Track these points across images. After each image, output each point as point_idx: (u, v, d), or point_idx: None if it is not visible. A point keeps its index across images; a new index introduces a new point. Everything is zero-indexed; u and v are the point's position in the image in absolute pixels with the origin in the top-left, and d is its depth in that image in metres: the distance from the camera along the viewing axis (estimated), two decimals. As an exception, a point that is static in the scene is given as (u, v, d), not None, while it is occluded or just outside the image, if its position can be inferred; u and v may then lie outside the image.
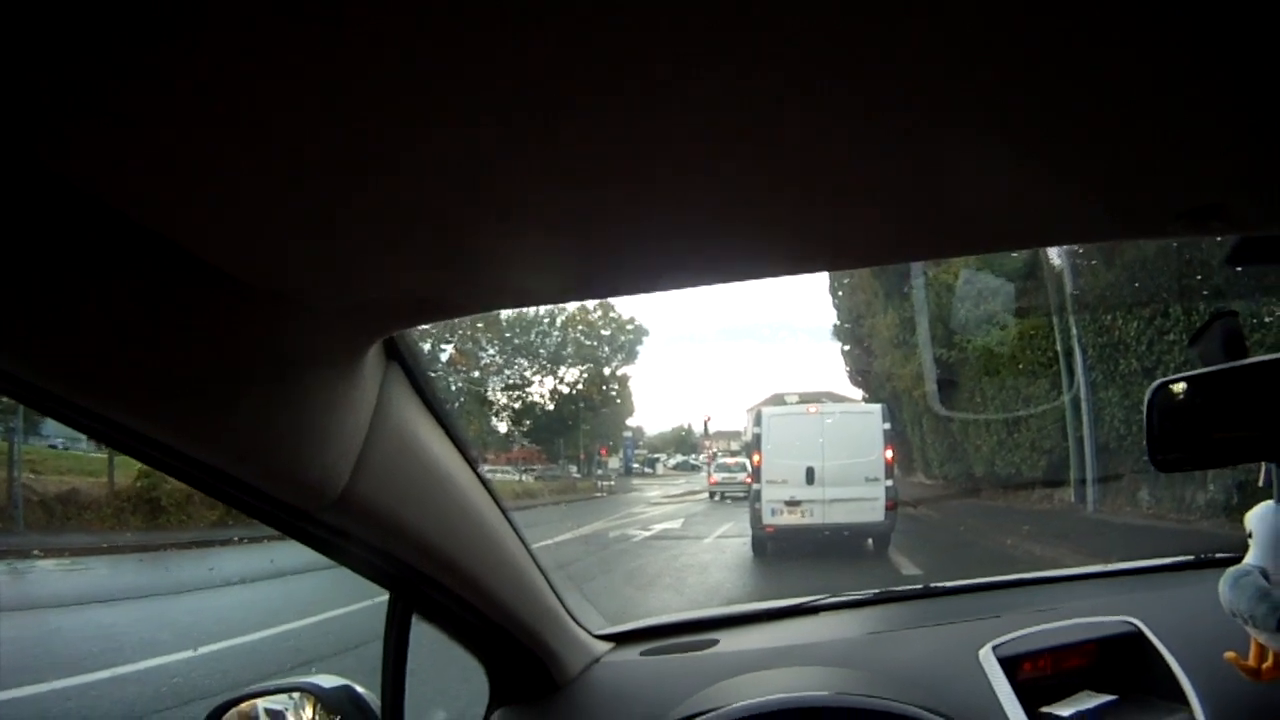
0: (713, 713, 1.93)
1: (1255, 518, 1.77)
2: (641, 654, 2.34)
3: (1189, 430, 1.72)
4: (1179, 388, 1.72)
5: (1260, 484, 1.78)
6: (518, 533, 1.86)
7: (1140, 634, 2.21)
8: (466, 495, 1.61)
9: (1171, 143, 0.88)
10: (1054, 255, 17.81)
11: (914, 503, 19.75)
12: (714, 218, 0.93)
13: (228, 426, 1.06)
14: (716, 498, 26.71)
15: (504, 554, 1.80)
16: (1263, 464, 1.76)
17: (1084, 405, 15.92)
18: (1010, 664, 2.14)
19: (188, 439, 1.06)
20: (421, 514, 1.48)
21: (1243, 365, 1.62)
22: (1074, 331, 16.59)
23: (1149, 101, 0.78)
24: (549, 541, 16.05)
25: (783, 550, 14.47)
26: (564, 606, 2.14)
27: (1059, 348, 16.98)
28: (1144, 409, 1.69)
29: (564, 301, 1.49)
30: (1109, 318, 15.72)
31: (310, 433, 1.15)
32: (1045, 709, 2.09)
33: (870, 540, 14.65)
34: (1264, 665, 1.74)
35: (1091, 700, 2.13)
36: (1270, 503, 1.74)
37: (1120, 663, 2.22)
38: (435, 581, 1.65)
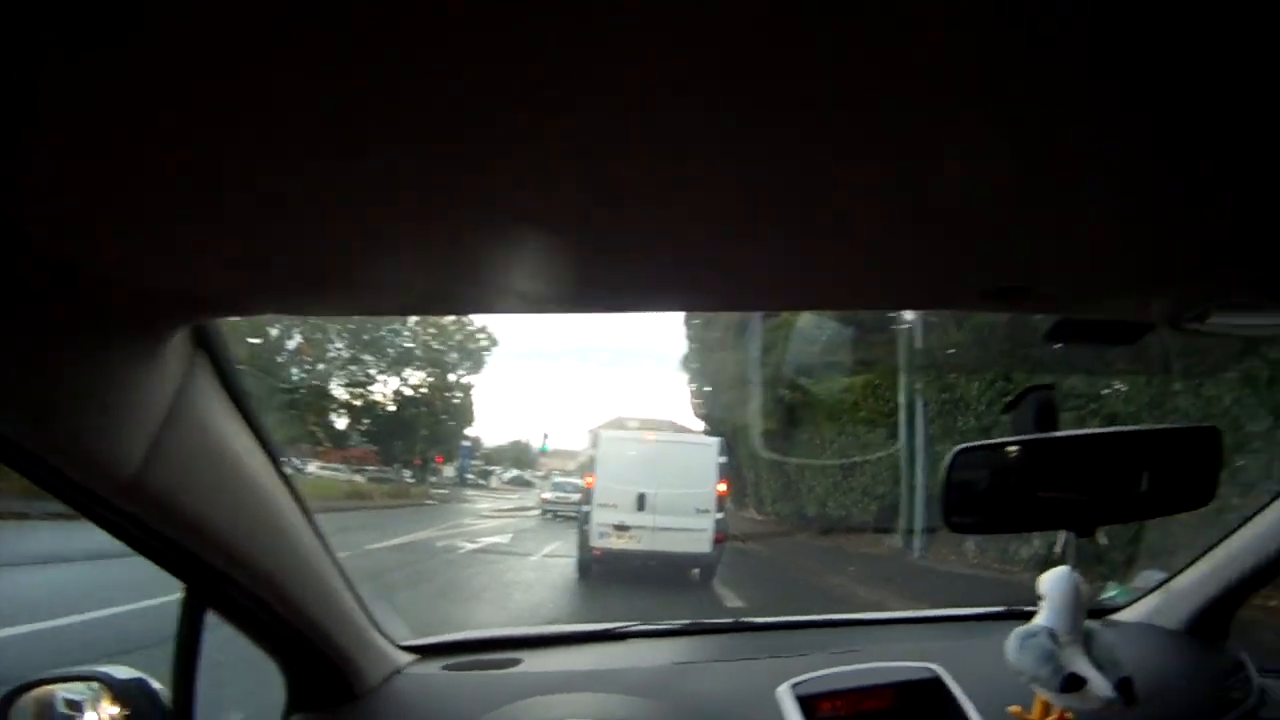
0: None
1: (1048, 582, 1.85)
2: (443, 668, 2.31)
3: (986, 495, 1.79)
4: (982, 453, 1.80)
5: (1057, 550, 1.85)
6: (320, 536, 1.80)
7: (940, 681, 2.25)
8: (267, 494, 1.56)
9: (979, 229, 0.95)
10: (908, 313, 18.30)
11: (744, 537, 19.95)
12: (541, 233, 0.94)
13: (14, 392, 1.03)
14: (548, 515, 26.77)
15: (303, 557, 1.74)
16: (1061, 532, 1.83)
17: (919, 457, 16.31)
18: (808, 703, 2.14)
19: None
20: (217, 508, 1.42)
21: (1046, 437, 1.73)
22: (918, 386, 17.01)
23: (956, 190, 0.84)
24: (375, 546, 15.83)
25: (609, 574, 14.41)
26: (366, 614, 2.08)
27: (901, 400, 17.32)
28: (943, 471, 1.73)
29: (394, 315, 1.45)
30: (953, 376, 16.18)
31: (102, 410, 1.12)
32: None
33: (696, 571, 14.69)
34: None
35: None
36: (1065, 568, 1.84)
37: (919, 709, 2.25)
38: (230, 578, 1.58)
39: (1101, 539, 1.79)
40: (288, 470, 1.64)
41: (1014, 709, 1.88)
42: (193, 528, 1.39)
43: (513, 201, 0.84)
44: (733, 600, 12.93)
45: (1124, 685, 1.71)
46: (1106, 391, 13.45)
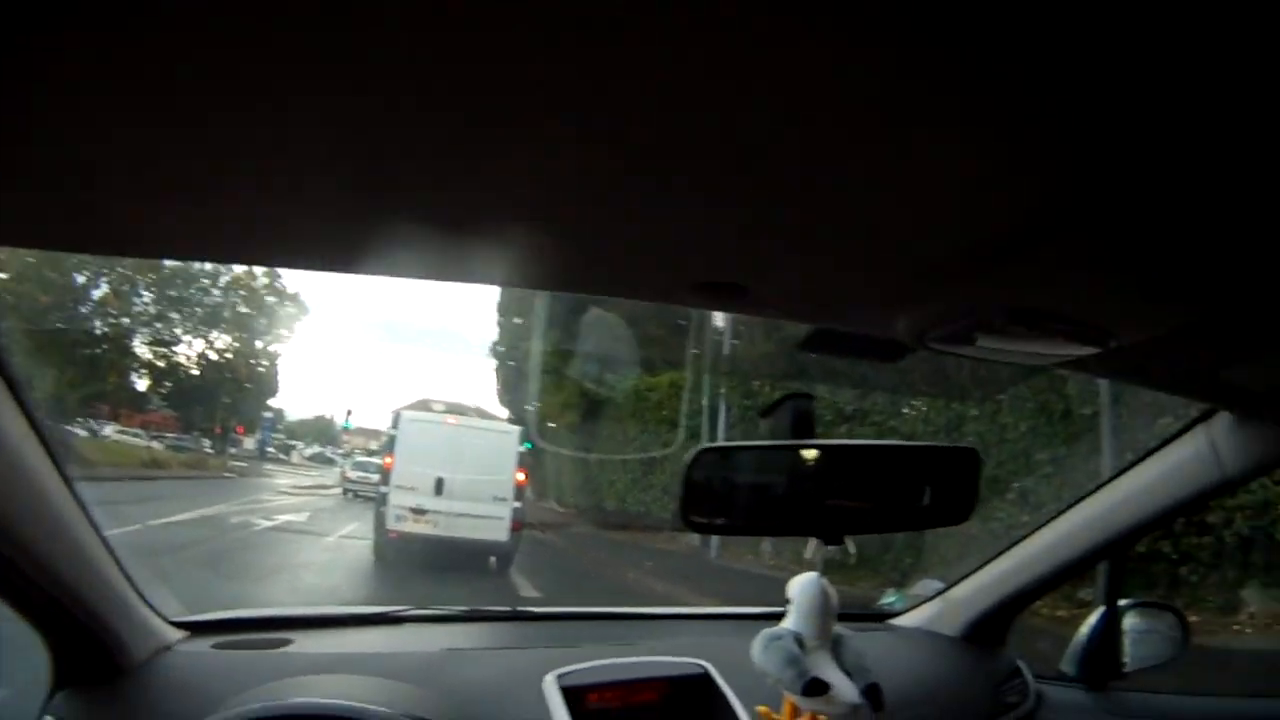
0: (243, 709, 1.84)
1: (796, 587, 1.88)
2: (213, 646, 2.23)
3: (726, 496, 1.73)
4: (727, 455, 1.82)
5: (807, 556, 1.83)
6: (79, 500, 1.71)
7: (709, 677, 2.26)
8: (14, 449, 1.47)
9: (690, 222, 0.96)
10: (719, 319, 18.49)
11: (543, 528, 20.00)
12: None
13: None
14: (349, 494, 26.12)
15: (59, 521, 1.66)
16: (810, 539, 1.78)
17: None
18: (575, 694, 2.13)
19: None
20: None
21: (791, 444, 1.71)
22: (721, 391, 17.38)
23: (666, 182, 0.85)
24: (168, 520, 15.19)
25: (405, 558, 14.18)
26: (133, 587, 2.02)
27: (705, 403, 17.61)
28: (683, 469, 1.66)
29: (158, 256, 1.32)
30: (756, 384, 16.61)
31: None
32: None
33: (493, 559, 14.72)
34: None
35: None
36: (813, 574, 1.86)
37: (688, 703, 2.25)
38: None
39: (850, 549, 1.77)
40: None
41: (762, 708, 1.93)
42: None
43: (304, 148, 0.83)
44: (529, 590, 13.01)
45: (871, 691, 1.72)
46: (907, 411, 14.19)
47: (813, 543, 1.77)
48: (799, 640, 1.79)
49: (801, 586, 1.87)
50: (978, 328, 1.24)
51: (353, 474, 27.57)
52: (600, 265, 1.17)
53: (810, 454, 1.69)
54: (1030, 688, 2.74)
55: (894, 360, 1.64)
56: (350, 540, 16.51)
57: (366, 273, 1.19)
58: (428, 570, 13.70)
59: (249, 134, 0.80)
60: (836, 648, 1.82)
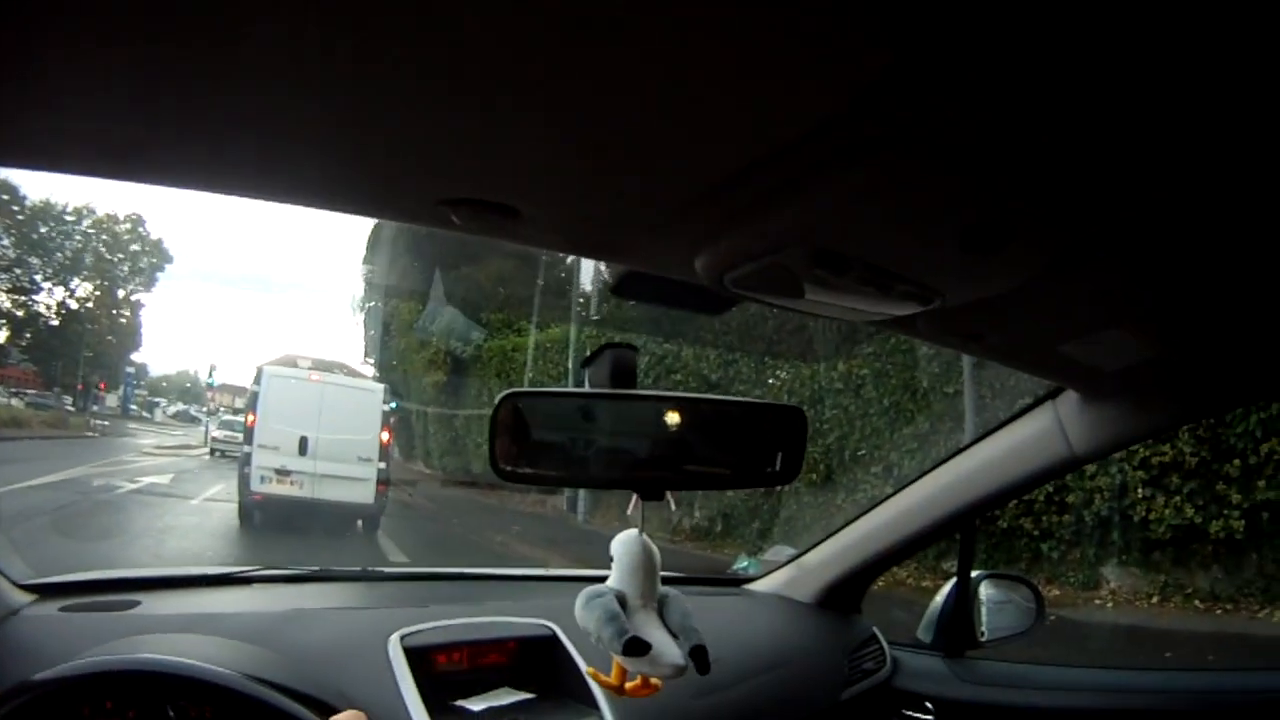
0: (65, 665, 1.77)
1: (618, 544, 1.70)
2: (60, 609, 2.14)
3: (539, 444, 1.64)
4: (538, 402, 1.71)
5: (628, 512, 1.68)
6: None
7: (556, 637, 2.28)
8: None
9: (430, 134, 0.92)
10: (586, 281, 19.03)
11: (411, 491, 20.01)
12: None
13: None
14: (217, 454, 25.57)
15: None
16: (632, 495, 1.65)
17: None
18: (421, 654, 2.11)
19: None
20: None
21: (607, 393, 1.59)
22: (588, 353, 17.26)
23: (410, 93, 0.83)
24: (25, 484, 14.82)
25: (270, 522, 14.03)
26: None
27: (570, 365, 17.77)
28: (491, 415, 1.54)
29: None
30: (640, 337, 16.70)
31: None
32: (458, 703, 2.09)
33: (360, 521, 14.72)
34: (627, 684, 1.69)
35: (507, 697, 2.17)
36: (633, 531, 1.69)
37: (538, 664, 2.26)
38: None
39: (672, 506, 1.71)
40: None
41: (590, 670, 1.90)
42: None
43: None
44: (396, 554, 13.09)
45: (697, 652, 1.59)
46: (772, 381, 14.48)
47: (634, 498, 1.64)
48: (621, 599, 1.65)
49: (622, 543, 1.68)
50: (780, 270, 1.17)
51: (219, 433, 27.11)
52: (348, 177, 1.10)
53: (630, 405, 1.62)
54: (886, 654, 2.83)
55: (717, 312, 1.66)
56: (215, 503, 16.31)
57: (136, 179, 1.13)
58: (293, 533, 13.73)
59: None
60: (662, 607, 1.68)
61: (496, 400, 1.51)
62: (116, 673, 1.73)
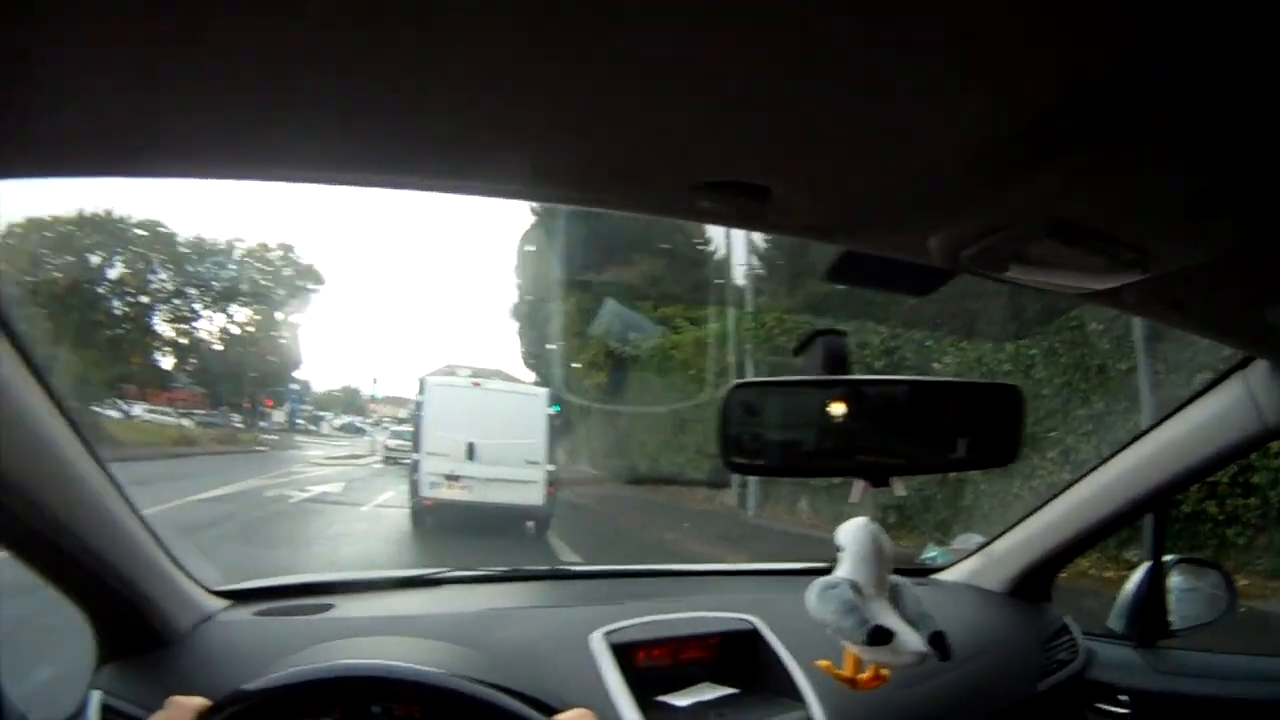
0: (296, 669, 1.77)
1: (845, 533, 1.72)
2: (255, 613, 2.20)
3: (770, 436, 1.64)
4: (764, 391, 1.67)
5: (852, 500, 1.67)
6: (109, 475, 1.69)
7: (757, 631, 2.25)
8: (28, 409, 1.45)
9: (690, 114, 0.90)
10: (740, 276, 18.82)
11: (578, 492, 20.02)
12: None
13: None
14: (389, 462, 26.41)
15: (94, 501, 1.66)
16: (856, 481, 1.65)
17: None
18: (624, 651, 2.11)
19: None
20: None
21: (835, 379, 1.57)
22: (747, 347, 17.29)
23: (676, 71, 0.80)
24: (204, 496, 15.22)
25: (442, 525, 14.27)
26: (171, 558, 1.99)
27: (731, 360, 17.51)
28: (720, 407, 1.55)
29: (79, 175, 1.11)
30: (784, 340, 16.38)
31: None
32: (661, 698, 2.08)
33: (530, 523, 14.73)
34: (860, 676, 1.71)
35: (710, 692, 2.14)
36: (862, 518, 1.71)
37: (740, 658, 2.23)
38: (11, 513, 1.47)
39: (899, 491, 1.64)
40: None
41: (823, 663, 1.80)
42: None
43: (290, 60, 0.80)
44: (568, 554, 13.03)
45: (936, 639, 1.62)
46: (938, 366, 14.05)
47: (858, 485, 1.65)
48: (855, 588, 1.66)
49: (851, 532, 1.72)
50: (1013, 245, 1.18)
51: (392, 442, 28.23)
52: (600, 168, 1.09)
53: (851, 391, 1.58)
54: (1079, 645, 2.70)
55: (926, 293, 1.59)
56: (385, 509, 16.64)
57: (373, 184, 1.15)
58: (465, 536, 13.77)
59: (252, 36, 0.76)
60: (895, 595, 1.71)
61: (724, 392, 1.54)
62: (333, 679, 1.71)
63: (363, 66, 0.81)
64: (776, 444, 1.65)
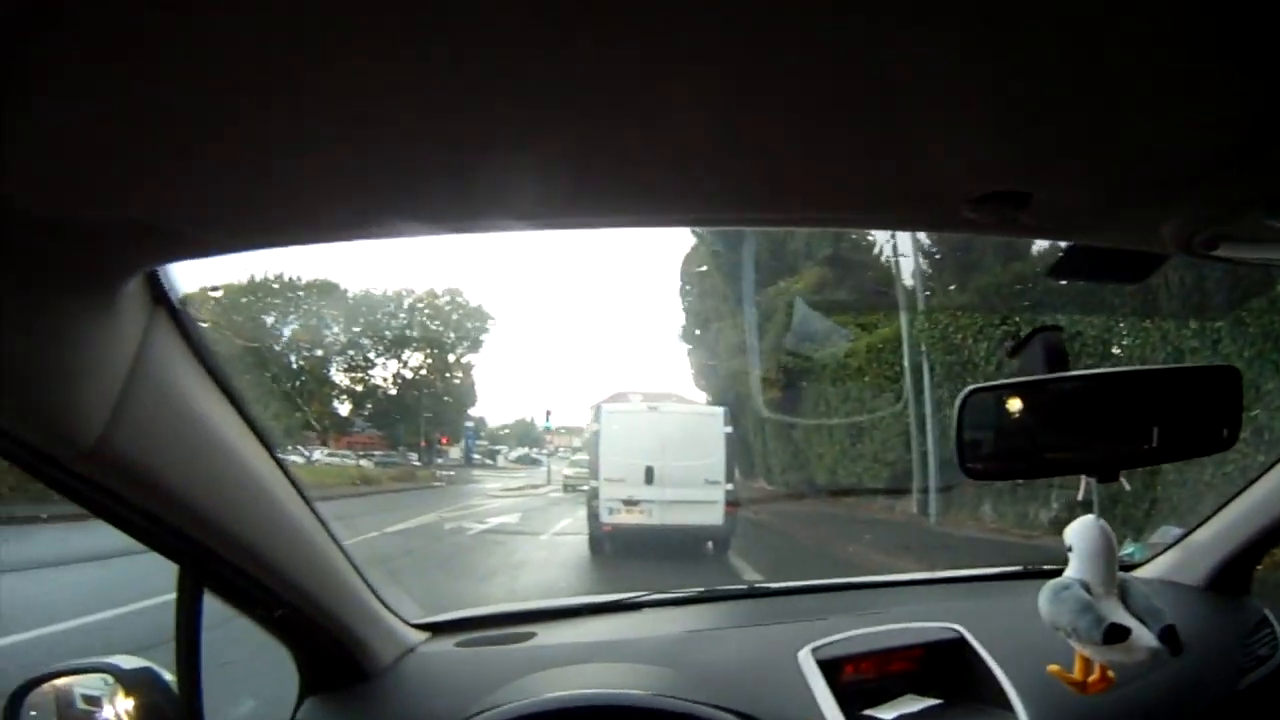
0: (518, 703, 1.90)
1: (1074, 532, 1.74)
2: (456, 645, 2.28)
3: (1002, 439, 1.67)
4: (995, 395, 1.67)
5: (1080, 498, 1.71)
6: (316, 514, 1.76)
7: (964, 640, 2.24)
8: (247, 462, 1.50)
9: (973, 121, 0.90)
10: (907, 275, 18.48)
11: (755, 508, 19.74)
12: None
13: None
14: (569, 489, 26.64)
15: (297, 532, 1.71)
16: (1082, 478, 1.68)
17: (929, 420, 16.16)
18: (831, 666, 2.12)
19: None
20: (192, 478, 1.37)
21: (1063, 377, 1.61)
22: (923, 348, 16.85)
23: (944, 86, 0.81)
24: (381, 532, 15.53)
25: (621, 550, 14.26)
26: (374, 593, 2.06)
27: (906, 363, 17.15)
28: (955, 414, 1.62)
29: (353, 239, 1.23)
30: (959, 337, 16.02)
31: (57, 370, 1.07)
32: (867, 712, 2.08)
33: (710, 543, 14.57)
34: (1090, 679, 1.72)
35: (915, 704, 2.14)
36: (1090, 516, 1.72)
37: (945, 668, 2.23)
38: (221, 556, 1.54)
39: (1126, 485, 1.65)
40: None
41: (1053, 668, 1.78)
42: (166, 496, 1.34)
43: (496, 113, 0.83)
44: (750, 573, 12.79)
45: (1168, 634, 1.62)
46: (1117, 351, 13.44)
47: (1085, 482, 1.68)
48: (1086, 587, 1.68)
49: (1080, 531, 1.73)
50: (1247, 227, 1.16)
51: (569, 471, 28.71)
52: (881, 189, 1.10)
53: (1074, 387, 1.64)
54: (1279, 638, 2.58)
55: (1142, 279, 1.56)
56: (563, 537, 16.71)
57: (585, 225, 1.17)
58: (644, 560, 13.56)
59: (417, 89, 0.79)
60: (1123, 592, 1.71)
61: (960, 397, 1.60)
62: (557, 711, 1.84)
63: (589, 125, 0.86)
64: (1011, 446, 1.68)
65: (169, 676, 1.73)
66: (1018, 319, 14.61)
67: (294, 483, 1.66)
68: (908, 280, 18.87)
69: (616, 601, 2.67)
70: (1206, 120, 0.90)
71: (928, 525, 16.31)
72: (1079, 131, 0.92)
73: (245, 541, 1.54)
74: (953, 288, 17.34)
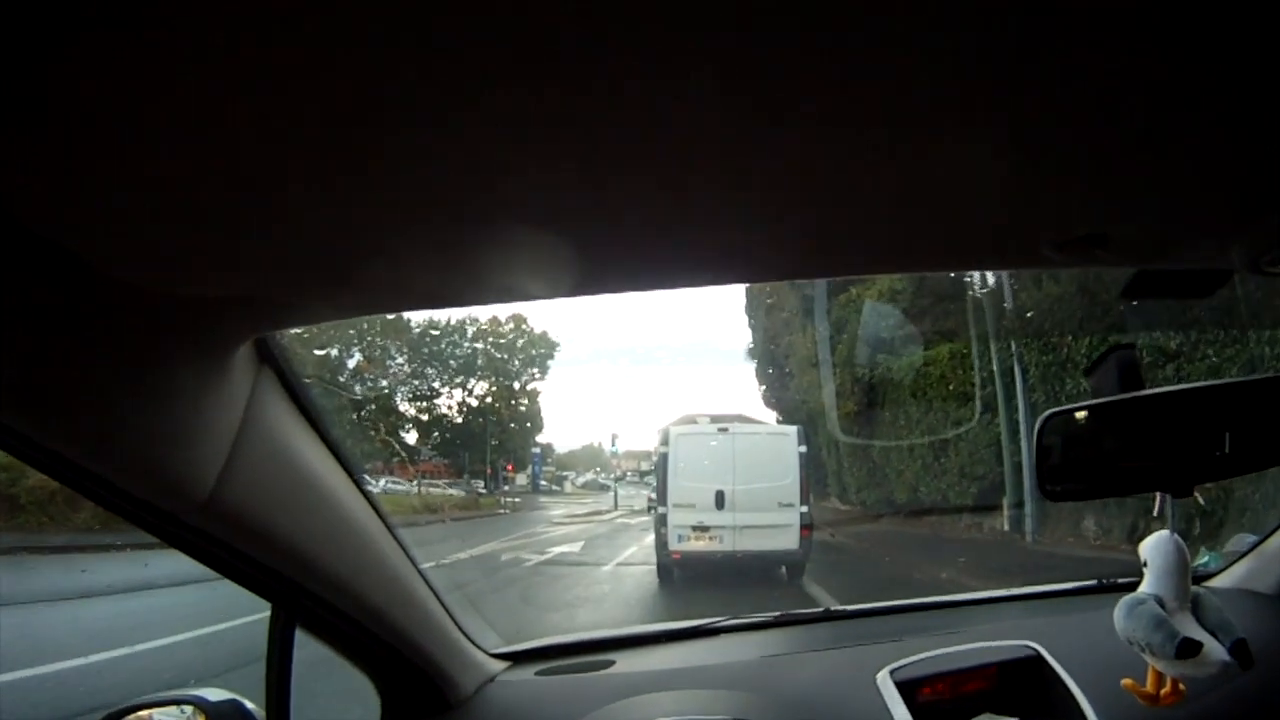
0: None
1: (1149, 547, 1.81)
2: (537, 673, 2.36)
3: (1080, 460, 1.71)
4: (1071, 418, 1.73)
5: (1154, 514, 1.77)
6: (404, 548, 1.83)
7: (1040, 658, 2.28)
8: (345, 507, 1.59)
9: (1054, 170, 0.92)
10: (990, 275, 17.64)
11: (833, 531, 19.39)
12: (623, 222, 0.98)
13: (85, 421, 1.06)
14: (651, 511, 26.47)
15: (388, 569, 1.78)
16: (1157, 494, 1.73)
17: (1023, 428, 15.25)
18: (908, 687, 2.18)
19: (43, 432, 1.06)
20: (296, 524, 1.45)
21: (1136, 397, 1.64)
22: (1013, 350, 16.08)
23: (1032, 129, 0.81)
24: (436, 564, 14.76)
25: (691, 579, 13.75)
26: (456, 624, 2.12)
27: (995, 368, 16.39)
28: (1035, 438, 1.69)
29: (447, 306, 1.35)
30: (1056, 337, 15.17)
31: (174, 432, 1.14)
32: None
33: (784, 569, 14.03)
34: (1162, 691, 1.76)
35: None
36: (1164, 532, 1.80)
37: (1020, 686, 2.26)
38: (316, 595, 1.62)
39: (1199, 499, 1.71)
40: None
41: (1126, 682, 1.82)
42: (272, 544, 1.42)
43: (527, 201, 0.89)
44: (828, 602, 11.75)
45: (1239, 648, 1.66)
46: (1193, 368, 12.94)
47: (1160, 498, 1.74)
48: (1160, 602, 1.74)
49: (1155, 546, 1.80)
50: None
51: (651, 493, 28.60)
52: (951, 236, 1.14)
53: (1155, 404, 1.67)
54: None
55: (1207, 296, 1.49)
56: (628, 568, 16.24)
57: (673, 286, 1.26)
58: (715, 590, 12.90)
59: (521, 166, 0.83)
60: (1196, 607, 1.77)
61: (1039, 421, 1.71)
62: None
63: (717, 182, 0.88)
64: (1088, 466, 1.74)
65: (250, 706, 1.80)
66: (1121, 307, 13.74)
67: (382, 517, 1.71)
68: (989, 280, 17.95)
69: (694, 628, 2.75)
70: (1275, 144, 0.88)
71: (1024, 543, 15.43)
72: (1155, 168, 0.93)
73: (339, 581, 1.60)
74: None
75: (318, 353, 30.24)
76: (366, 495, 1.65)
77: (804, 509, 14.03)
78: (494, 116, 0.71)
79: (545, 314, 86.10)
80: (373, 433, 34.17)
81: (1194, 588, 1.77)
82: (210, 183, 0.78)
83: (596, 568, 16.41)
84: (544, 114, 0.70)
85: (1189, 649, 1.64)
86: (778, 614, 2.90)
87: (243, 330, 1.20)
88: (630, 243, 1.03)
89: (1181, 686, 1.72)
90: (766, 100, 0.71)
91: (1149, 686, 1.77)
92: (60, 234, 0.86)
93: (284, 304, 1.17)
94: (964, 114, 0.76)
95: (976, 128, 0.79)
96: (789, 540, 13.85)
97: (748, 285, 30.49)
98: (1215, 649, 1.65)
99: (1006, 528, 16.27)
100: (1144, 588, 1.77)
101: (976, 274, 17.90)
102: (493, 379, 40.42)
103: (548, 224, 0.93)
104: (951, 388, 17.58)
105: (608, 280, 1.16)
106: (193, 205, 0.83)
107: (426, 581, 1.94)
